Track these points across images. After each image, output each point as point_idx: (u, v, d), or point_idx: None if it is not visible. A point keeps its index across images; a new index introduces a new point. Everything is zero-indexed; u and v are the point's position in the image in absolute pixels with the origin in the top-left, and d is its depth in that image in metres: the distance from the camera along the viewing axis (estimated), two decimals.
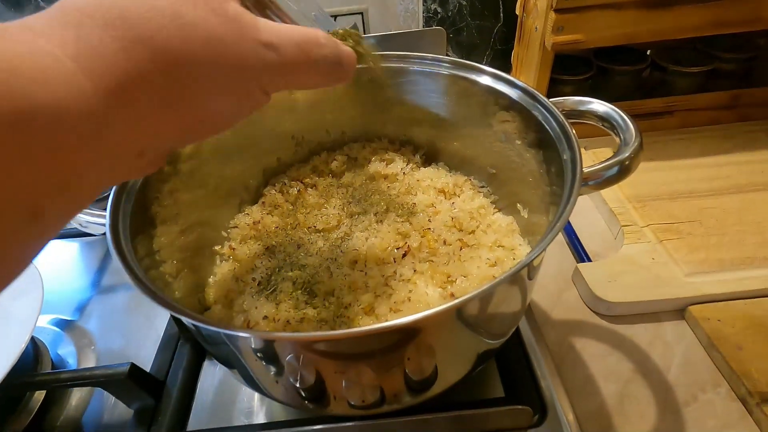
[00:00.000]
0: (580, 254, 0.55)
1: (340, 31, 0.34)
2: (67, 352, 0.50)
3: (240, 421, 0.44)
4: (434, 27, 0.77)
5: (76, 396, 0.46)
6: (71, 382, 0.41)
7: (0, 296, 0.40)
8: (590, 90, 0.71)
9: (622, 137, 0.33)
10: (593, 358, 0.45)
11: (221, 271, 0.45)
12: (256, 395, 0.46)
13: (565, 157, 0.32)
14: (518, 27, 0.71)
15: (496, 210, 0.48)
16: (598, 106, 0.35)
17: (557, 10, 0.57)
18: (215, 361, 0.48)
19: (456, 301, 0.27)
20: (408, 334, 0.30)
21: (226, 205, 0.49)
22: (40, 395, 0.44)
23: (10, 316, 0.44)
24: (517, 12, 0.70)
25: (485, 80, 0.40)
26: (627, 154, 0.32)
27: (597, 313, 0.49)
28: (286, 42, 0.22)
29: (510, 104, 0.39)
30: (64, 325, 0.54)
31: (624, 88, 0.71)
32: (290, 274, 0.43)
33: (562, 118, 0.34)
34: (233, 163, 0.48)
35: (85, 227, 0.34)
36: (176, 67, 0.19)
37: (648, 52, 0.73)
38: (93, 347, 0.51)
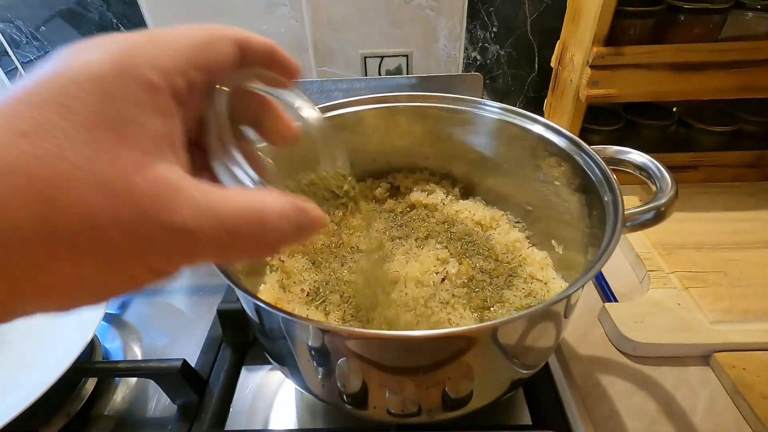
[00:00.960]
0: (607, 294, 0.57)
1: (324, 173, 0.28)
2: (115, 346, 0.53)
3: (275, 425, 0.46)
4: (472, 72, 0.82)
5: (123, 389, 0.49)
6: (128, 372, 0.44)
7: None
8: (618, 141, 0.74)
9: (658, 185, 0.37)
10: (619, 395, 0.47)
11: (270, 280, 0.48)
12: (291, 401, 0.48)
13: (606, 199, 0.36)
14: (553, 78, 0.76)
15: (531, 245, 0.51)
16: (637, 156, 0.38)
17: (593, 66, 0.62)
18: (253, 367, 0.51)
19: (501, 319, 0.29)
20: (454, 349, 0.33)
21: None
22: (91, 385, 0.47)
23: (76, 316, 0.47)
24: (552, 65, 0.76)
25: (537, 128, 0.45)
26: (663, 201, 0.35)
27: (623, 352, 0.51)
28: (207, 225, 0.17)
29: (558, 151, 0.43)
30: (111, 320, 0.57)
31: (651, 141, 0.74)
32: (337, 287, 0.46)
33: (604, 164, 0.37)
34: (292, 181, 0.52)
35: None
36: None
37: (674, 109, 0.77)
38: (139, 343, 0.54)
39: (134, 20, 0.78)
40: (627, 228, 0.36)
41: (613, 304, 0.54)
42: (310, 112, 0.26)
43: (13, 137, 0.14)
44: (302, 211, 0.20)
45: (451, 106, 0.50)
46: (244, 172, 0.21)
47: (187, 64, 0.19)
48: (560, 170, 0.43)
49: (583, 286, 0.30)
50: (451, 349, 0.33)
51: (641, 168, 0.38)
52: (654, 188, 0.37)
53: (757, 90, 0.63)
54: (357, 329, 0.36)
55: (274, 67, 0.24)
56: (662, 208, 0.35)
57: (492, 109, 0.48)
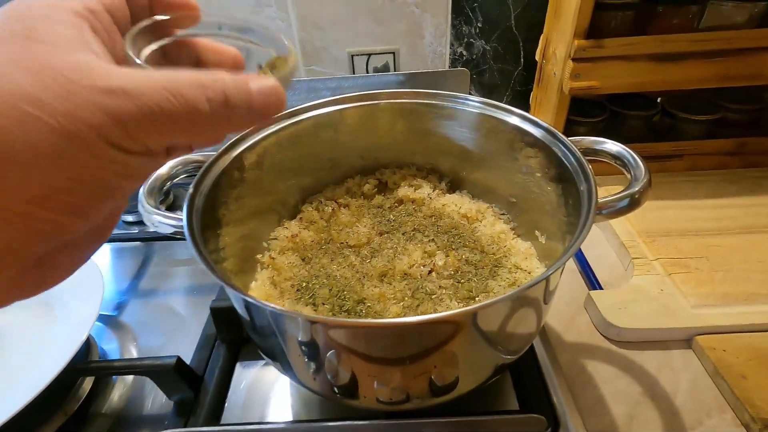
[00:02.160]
0: (593, 282, 0.58)
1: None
2: (112, 348, 0.54)
3: (270, 418, 0.47)
4: (459, 68, 0.83)
5: (119, 388, 0.50)
6: (124, 370, 0.45)
7: (63, 291, 0.45)
8: (603, 132, 0.76)
9: (632, 173, 0.38)
10: (604, 380, 0.48)
11: (261, 277, 0.49)
12: (285, 395, 0.49)
13: (581, 188, 0.37)
14: (537, 71, 0.77)
15: (516, 236, 0.52)
16: (612, 146, 0.39)
17: (575, 59, 0.63)
18: (248, 363, 0.52)
19: (480, 303, 0.31)
20: (437, 336, 0.34)
21: (268, 219, 0.54)
22: (88, 384, 0.48)
23: (72, 309, 0.48)
24: (537, 58, 0.76)
25: (513, 120, 0.46)
26: (637, 188, 0.36)
27: (607, 338, 0.52)
28: (145, 86, 0.18)
29: (534, 142, 0.44)
30: (107, 321, 0.58)
31: (635, 132, 0.76)
32: (326, 281, 0.47)
33: (579, 154, 0.38)
34: (283, 179, 0.53)
35: (157, 227, 0.39)
36: None
37: (659, 100, 0.79)
38: (135, 343, 0.55)
39: None
40: (603, 215, 0.37)
41: (598, 291, 0.56)
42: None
43: None
44: (237, 79, 0.20)
45: (432, 102, 0.51)
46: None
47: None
48: (538, 161, 0.44)
49: (558, 269, 0.31)
50: (435, 337, 0.34)
51: (617, 157, 0.39)
52: (629, 176, 0.38)
53: (736, 79, 0.64)
54: (341, 319, 0.37)
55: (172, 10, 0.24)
56: (636, 195, 0.36)
57: (472, 104, 0.49)
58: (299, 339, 0.35)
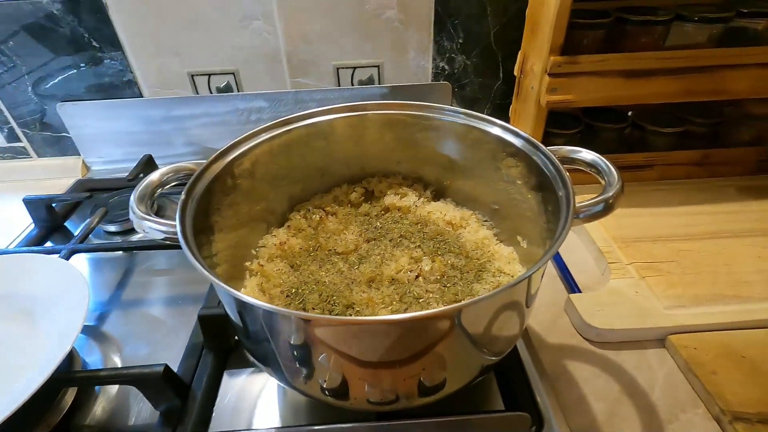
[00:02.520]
0: (572, 286, 0.61)
1: None
2: (94, 359, 0.53)
3: (258, 425, 0.47)
4: (441, 81, 0.86)
5: (103, 399, 0.49)
6: (109, 379, 0.45)
7: (47, 300, 0.45)
8: (579, 143, 0.78)
9: (606, 180, 0.40)
10: (584, 380, 0.50)
11: (250, 284, 0.49)
12: (273, 402, 0.49)
13: (560, 194, 0.39)
14: (516, 85, 0.80)
15: (498, 241, 0.54)
16: (587, 154, 0.42)
17: (551, 74, 0.66)
18: (235, 371, 0.52)
19: (466, 301, 0.32)
20: (424, 337, 0.35)
21: (257, 227, 0.55)
22: (70, 396, 0.47)
23: (56, 319, 0.48)
24: (515, 73, 0.80)
25: (495, 131, 0.48)
26: (611, 194, 0.39)
27: (587, 339, 0.54)
28: None
29: (515, 151, 0.46)
30: (89, 332, 0.57)
31: (609, 143, 0.80)
32: (315, 287, 0.48)
33: (557, 162, 0.41)
34: (273, 187, 0.54)
35: (147, 233, 0.39)
36: None
37: (629, 113, 0.83)
38: (119, 354, 0.54)
39: (106, 35, 0.79)
40: (580, 219, 0.39)
41: (577, 294, 0.58)
42: None
43: None
44: None
45: (417, 113, 0.53)
46: None
47: None
48: (519, 170, 0.46)
49: (539, 269, 0.33)
50: (423, 336, 0.35)
51: (591, 165, 0.42)
52: (603, 182, 0.40)
53: (699, 94, 0.69)
54: (334, 317, 0.37)
55: None
56: (610, 200, 0.38)
57: (455, 115, 0.51)
58: (291, 341, 0.36)
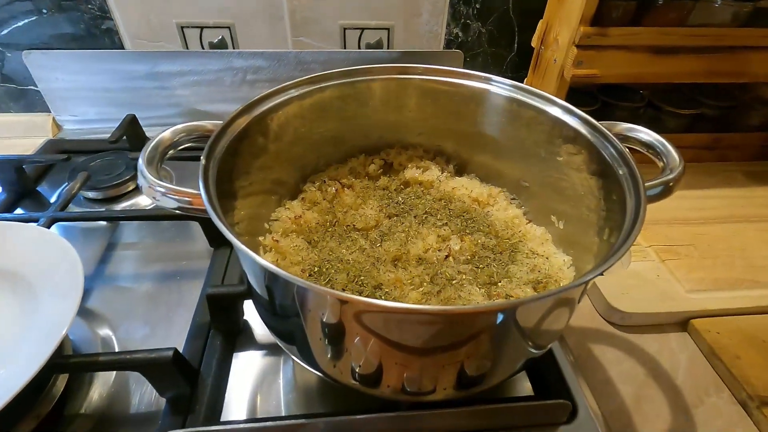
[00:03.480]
0: None
1: None
2: (83, 337, 0.48)
3: (270, 412, 0.43)
4: (453, 50, 0.81)
5: (99, 385, 0.44)
6: (112, 365, 0.40)
7: (35, 276, 0.39)
8: None
9: (665, 161, 0.38)
10: (610, 363, 0.49)
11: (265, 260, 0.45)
12: (287, 386, 0.45)
13: (621, 173, 0.36)
14: (534, 58, 0.76)
15: (528, 221, 0.51)
16: (644, 134, 0.39)
17: (579, 46, 0.63)
18: (245, 353, 0.48)
19: (539, 294, 0.29)
20: (475, 326, 0.32)
21: (267, 199, 0.50)
22: (62, 382, 0.42)
23: (46, 299, 0.42)
24: (533, 44, 0.76)
25: (549, 108, 0.44)
26: (672, 176, 0.36)
27: (610, 322, 0.53)
28: None
29: (569, 130, 0.43)
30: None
31: (622, 121, 0.78)
32: (340, 265, 0.44)
33: (616, 140, 0.38)
34: (287, 155, 0.48)
35: (159, 200, 0.34)
36: None
37: (641, 92, 0.81)
38: (113, 335, 0.49)
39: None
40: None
41: (600, 277, 0.56)
42: None
43: None
44: None
45: (458, 81, 0.48)
46: None
47: None
48: (570, 148, 0.43)
49: (611, 266, 0.30)
50: (474, 327, 0.32)
51: (648, 145, 0.39)
52: (661, 164, 0.38)
53: (721, 75, 0.67)
54: (388, 303, 0.33)
55: None
56: (670, 183, 0.36)
57: (502, 86, 0.47)
58: (324, 320, 0.32)
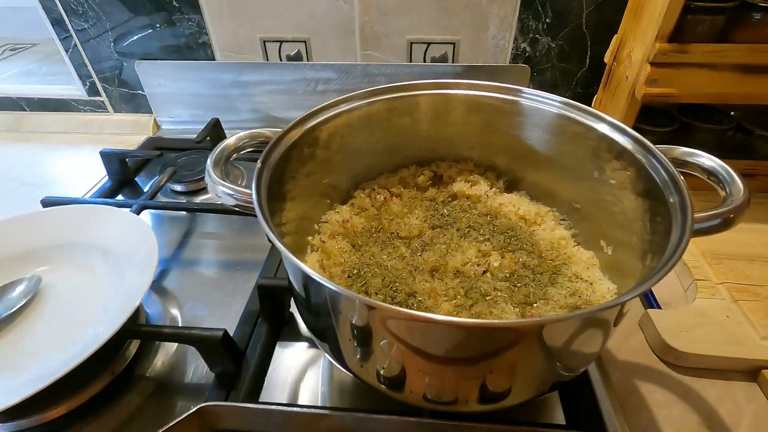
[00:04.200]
0: (650, 300, 0.55)
1: None
2: (155, 311, 0.55)
3: (305, 400, 0.47)
4: (520, 64, 0.80)
5: (163, 353, 0.51)
6: (172, 337, 0.46)
7: (119, 252, 0.45)
8: (669, 142, 0.71)
9: (728, 191, 0.35)
10: (658, 404, 0.46)
11: (311, 259, 0.48)
12: (323, 379, 0.48)
13: (671, 200, 0.34)
14: (606, 74, 0.73)
15: (576, 243, 0.49)
16: (706, 160, 0.36)
17: (653, 63, 0.59)
18: (288, 343, 0.52)
19: (556, 315, 0.29)
20: (500, 342, 0.32)
21: (320, 202, 0.53)
22: (134, 347, 0.49)
23: (126, 272, 0.49)
24: (606, 60, 0.73)
25: (599, 126, 0.43)
26: (732, 207, 0.34)
27: (664, 361, 0.49)
28: None
29: (620, 150, 0.41)
30: (152, 285, 0.59)
31: (705, 146, 0.70)
32: (378, 270, 0.46)
33: (670, 165, 0.36)
34: (343, 163, 0.52)
35: (221, 197, 0.38)
36: None
37: (732, 114, 0.74)
38: (179, 311, 0.56)
39: None
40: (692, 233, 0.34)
41: (657, 310, 0.53)
42: None
43: None
44: None
45: (507, 97, 0.48)
46: None
47: None
48: (621, 170, 0.41)
49: (643, 293, 0.29)
50: (497, 342, 0.32)
51: (710, 172, 0.36)
52: (723, 194, 0.35)
53: None
54: (413, 311, 0.35)
55: None
56: (731, 215, 0.33)
57: (552, 103, 0.46)
58: (354, 322, 0.34)
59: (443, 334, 0.32)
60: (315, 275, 0.31)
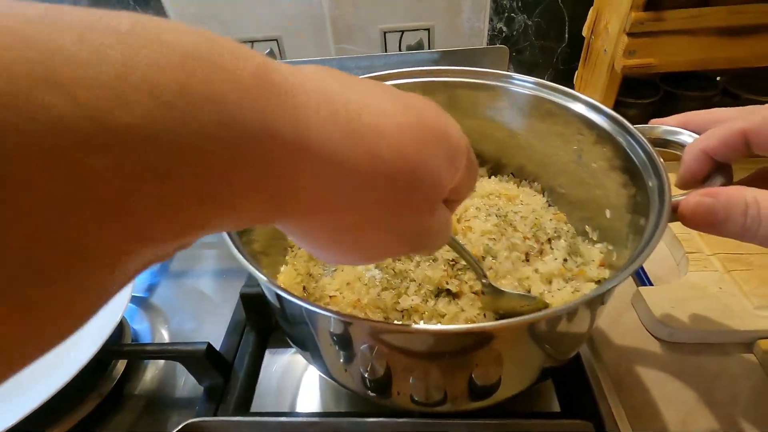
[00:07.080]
0: (641, 277, 0.54)
1: None
2: (143, 328, 0.55)
3: (299, 408, 0.46)
4: (498, 45, 0.78)
5: (152, 370, 0.50)
6: (155, 354, 0.45)
7: None
8: (655, 114, 0.70)
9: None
10: (654, 384, 0.45)
11: (292, 261, 0.48)
12: (315, 385, 0.48)
13: (650, 184, 0.33)
14: (585, 48, 0.71)
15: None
16: (687, 138, 0.35)
17: (630, 34, 0.57)
18: (277, 350, 0.51)
19: (537, 314, 0.28)
20: (482, 339, 0.31)
21: None
22: (122, 365, 0.48)
23: None
24: (584, 34, 0.71)
25: (574, 105, 0.41)
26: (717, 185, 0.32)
27: (658, 339, 0.48)
28: None
29: (596, 130, 0.40)
30: (139, 303, 0.58)
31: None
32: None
33: (649, 146, 0.34)
34: None
35: None
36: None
37: (718, 79, 0.72)
38: (166, 326, 0.55)
39: None
40: (675, 215, 0.33)
41: (648, 288, 0.52)
42: None
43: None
44: None
45: (479, 81, 0.47)
46: None
47: None
48: (600, 152, 0.40)
49: (623, 280, 0.28)
50: (481, 342, 0.31)
51: None
52: None
53: None
54: (385, 323, 0.34)
55: None
56: None
57: (525, 84, 0.45)
58: (331, 331, 0.33)
59: (422, 339, 0.32)
60: (283, 293, 0.30)
